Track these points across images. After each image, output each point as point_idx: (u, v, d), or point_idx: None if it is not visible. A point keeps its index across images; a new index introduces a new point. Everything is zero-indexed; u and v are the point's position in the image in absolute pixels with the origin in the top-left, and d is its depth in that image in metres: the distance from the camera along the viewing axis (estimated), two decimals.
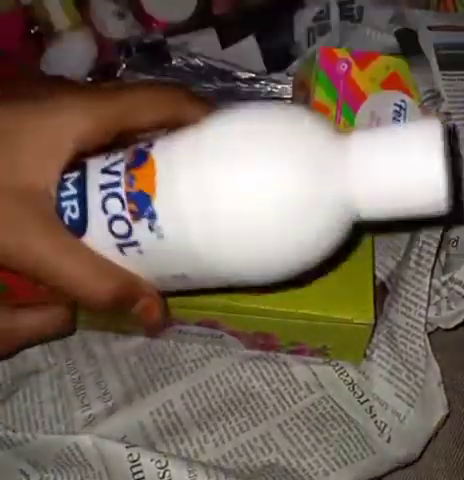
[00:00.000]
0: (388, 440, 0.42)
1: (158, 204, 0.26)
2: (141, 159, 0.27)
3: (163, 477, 0.38)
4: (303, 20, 0.51)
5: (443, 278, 0.43)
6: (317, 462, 0.41)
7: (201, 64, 0.52)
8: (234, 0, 0.56)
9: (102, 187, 0.28)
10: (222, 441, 0.42)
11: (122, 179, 0.27)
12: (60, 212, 0.28)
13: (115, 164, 0.28)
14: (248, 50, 0.52)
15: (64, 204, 0.28)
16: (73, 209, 0.28)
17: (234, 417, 0.42)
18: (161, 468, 0.39)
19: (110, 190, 0.27)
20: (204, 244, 0.26)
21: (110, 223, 0.27)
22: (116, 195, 0.27)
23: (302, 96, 0.45)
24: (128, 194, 0.27)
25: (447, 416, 0.41)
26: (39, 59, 0.55)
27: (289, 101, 0.49)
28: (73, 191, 0.28)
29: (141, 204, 0.27)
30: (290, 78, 0.50)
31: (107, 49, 0.56)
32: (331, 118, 0.42)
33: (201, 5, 0.55)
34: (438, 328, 0.43)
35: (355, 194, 0.25)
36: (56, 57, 0.55)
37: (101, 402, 0.43)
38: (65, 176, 0.28)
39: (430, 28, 0.44)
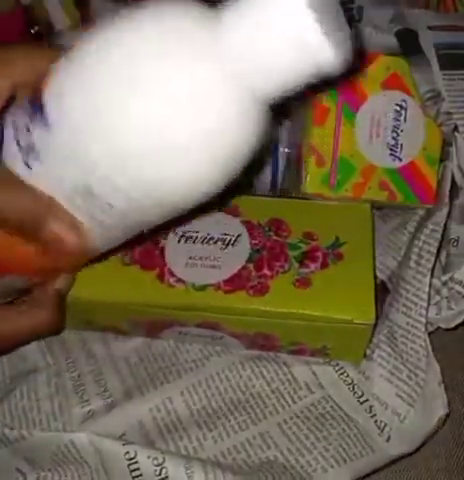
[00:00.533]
0: (388, 439, 0.42)
1: (47, 96, 0.27)
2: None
3: (160, 474, 0.38)
4: None
5: (443, 278, 0.43)
6: (316, 459, 0.41)
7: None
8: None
9: (12, 114, 0.29)
10: (221, 438, 0.42)
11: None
12: None
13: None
14: None
15: None
16: None
17: (233, 416, 0.42)
18: (158, 465, 0.39)
19: (17, 112, 0.28)
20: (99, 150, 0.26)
21: (18, 141, 0.28)
22: (22, 110, 0.28)
23: None
24: (29, 102, 0.28)
25: (447, 416, 0.41)
26: None
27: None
28: None
29: (35, 103, 0.27)
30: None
31: None
32: (331, 118, 0.42)
33: None
34: (438, 328, 0.43)
35: (243, 74, 0.24)
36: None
37: (100, 398, 0.43)
38: None
39: (430, 28, 0.45)
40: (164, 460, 0.39)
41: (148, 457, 0.39)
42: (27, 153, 0.28)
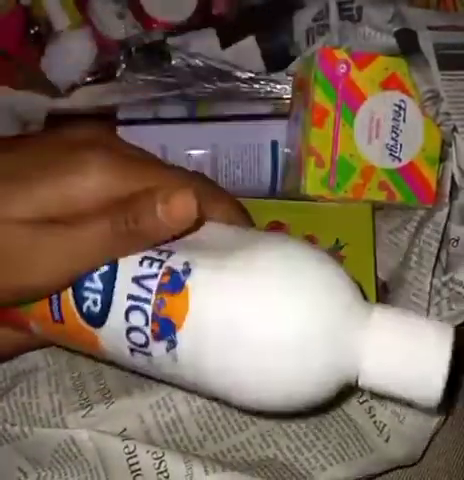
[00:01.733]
0: (387, 440, 0.42)
1: (181, 335, 0.27)
2: (176, 286, 0.27)
3: (159, 468, 0.39)
4: (302, 20, 0.51)
5: (444, 278, 0.43)
6: (315, 457, 0.41)
7: (201, 64, 0.52)
8: (234, 0, 0.56)
9: (130, 297, 0.28)
10: (221, 439, 0.42)
11: (152, 298, 0.27)
12: (79, 299, 0.28)
13: (148, 278, 0.28)
14: (248, 50, 0.52)
15: (86, 294, 0.28)
16: (95, 303, 0.28)
17: (234, 417, 0.42)
18: (157, 459, 0.39)
19: (137, 303, 0.27)
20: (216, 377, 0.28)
21: (129, 331, 0.28)
22: (142, 310, 0.27)
23: (302, 96, 0.45)
24: (154, 315, 0.27)
25: (447, 416, 0.41)
26: (39, 59, 0.55)
27: (288, 101, 0.49)
28: (99, 285, 0.28)
29: (165, 329, 0.27)
30: (290, 78, 0.50)
31: (107, 49, 0.56)
32: (330, 119, 0.42)
33: (201, 5, 0.55)
34: None
35: (361, 363, 0.27)
36: (56, 57, 0.55)
37: (100, 396, 0.43)
38: None
39: (430, 28, 0.44)
40: (163, 454, 0.39)
41: (147, 451, 0.39)
42: (136, 350, 0.28)
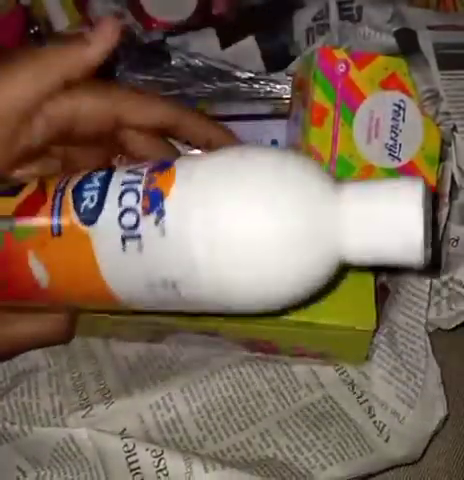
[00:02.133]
0: (387, 440, 0.42)
1: (168, 204, 0.28)
2: (164, 165, 0.30)
3: (158, 466, 0.39)
4: (302, 20, 0.51)
5: (443, 278, 0.43)
6: (315, 456, 0.41)
7: (200, 64, 0.52)
8: (234, 0, 0.56)
9: (123, 183, 0.29)
10: (221, 438, 0.42)
11: (143, 178, 0.29)
12: (79, 201, 0.30)
13: (141, 167, 0.30)
14: (248, 50, 0.52)
15: (85, 194, 0.30)
16: (92, 199, 0.29)
17: (233, 417, 0.42)
18: (156, 457, 0.39)
19: (130, 186, 0.29)
20: (203, 257, 0.28)
21: (121, 215, 0.29)
22: (134, 190, 0.29)
23: (301, 96, 0.45)
24: (145, 191, 0.29)
25: (447, 417, 0.41)
26: None
27: (288, 101, 0.49)
28: (96, 184, 0.30)
29: (154, 200, 0.28)
30: (289, 78, 0.50)
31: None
32: (330, 119, 0.42)
33: (201, 5, 0.55)
34: (438, 329, 0.43)
35: (344, 240, 0.28)
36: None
37: (100, 396, 0.43)
38: (94, 172, 0.31)
39: (429, 28, 0.44)
40: (163, 452, 0.39)
41: (146, 449, 0.39)
42: (127, 236, 0.29)
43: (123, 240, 0.29)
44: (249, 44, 0.52)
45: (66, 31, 0.56)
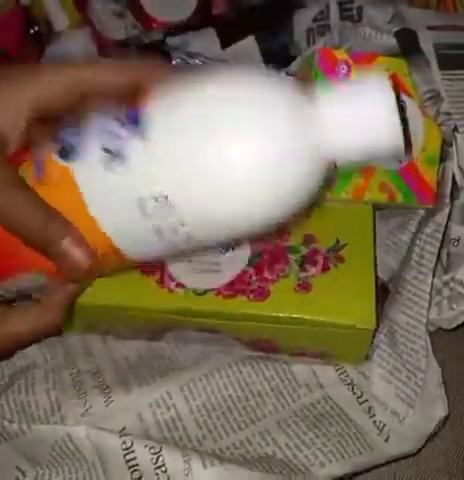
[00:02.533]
0: (386, 439, 0.42)
1: (150, 113, 0.28)
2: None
3: (157, 463, 0.39)
4: (303, 20, 0.51)
5: (444, 278, 0.43)
6: (314, 454, 0.41)
7: (201, 64, 0.52)
8: (234, 0, 0.56)
9: (93, 119, 0.29)
10: (220, 437, 0.42)
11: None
12: (58, 143, 0.29)
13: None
14: (248, 50, 0.52)
15: (63, 137, 0.29)
16: (69, 140, 0.29)
17: (233, 416, 0.42)
18: (155, 454, 0.39)
19: (105, 115, 0.29)
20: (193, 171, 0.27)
21: (101, 132, 0.29)
22: (110, 117, 0.29)
23: None
24: (127, 114, 0.29)
25: (447, 417, 0.41)
26: (39, 59, 0.55)
27: None
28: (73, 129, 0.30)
29: (134, 116, 0.28)
30: (289, 78, 0.50)
31: (107, 49, 0.56)
32: None
33: (201, 5, 0.54)
34: (439, 328, 0.43)
35: (327, 142, 0.28)
36: (56, 57, 0.55)
37: (99, 393, 0.43)
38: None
39: (430, 28, 0.44)
40: (161, 449, 0.39)
41: (145, 446, 0.39)
42: (113, 158, 0.28)
43: (108, 163, 0.28)
44: (249, 44, 0.52)
45: (66, 31, 0.56)
